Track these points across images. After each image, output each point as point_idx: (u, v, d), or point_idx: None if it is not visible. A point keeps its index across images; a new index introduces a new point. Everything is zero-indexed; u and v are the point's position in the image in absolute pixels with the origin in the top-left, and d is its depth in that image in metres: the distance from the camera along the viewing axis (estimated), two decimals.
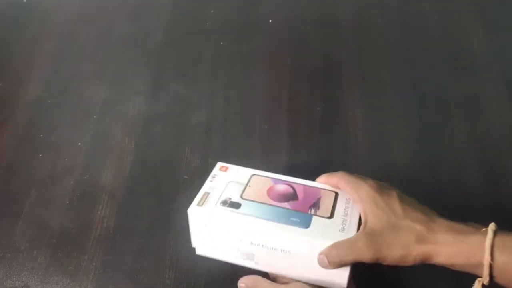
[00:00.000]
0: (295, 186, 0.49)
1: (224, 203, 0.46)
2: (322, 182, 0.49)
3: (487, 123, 0.63)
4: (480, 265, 0.37)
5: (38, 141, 0.67)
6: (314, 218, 0.45)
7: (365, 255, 0.40)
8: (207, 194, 0.48)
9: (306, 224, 0.44)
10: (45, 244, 0.57)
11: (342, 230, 0.43)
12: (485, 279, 0.37)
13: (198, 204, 0.47)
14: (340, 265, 0.41)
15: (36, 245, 0.57)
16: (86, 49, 0.79)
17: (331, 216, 0.45)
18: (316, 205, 0.46)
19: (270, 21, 0.78)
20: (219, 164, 0.52)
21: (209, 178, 0.50)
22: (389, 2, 0.79)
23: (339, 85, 0.70)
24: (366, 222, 0.42)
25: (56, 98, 0.72)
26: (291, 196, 0.48)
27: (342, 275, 0.43)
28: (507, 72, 0.68)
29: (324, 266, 0.42)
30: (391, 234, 0.39)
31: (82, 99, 0.71)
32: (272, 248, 0.44)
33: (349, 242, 0.41)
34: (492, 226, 0.38)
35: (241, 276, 0.53)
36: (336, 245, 0.41)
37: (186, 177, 0.61)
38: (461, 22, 0.75)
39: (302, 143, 0.63)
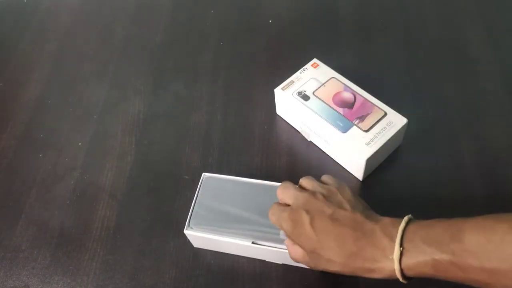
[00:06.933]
0: (357, 97, 0.59)
1: (299, 93, 0.61)
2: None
3: (487, 123, 0.63)
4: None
5: (39, 141, 0.67)
6: (354, 127, 0.57)
7: (315, 268, 0.47)
8: (292, 82, 0.62)
9: (345, 129, 0.57)
10: (45, 244, 0.57)
11: (368, 144, 0.55)
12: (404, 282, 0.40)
13: (282, 88, 0.62)
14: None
15: (36, 245, 0.57)
16: (86, 49, 0.79)
17: (367, 131, 0.56)
18: (362, 118, 0.57)
19: (270, 21, 0.78)
20: (313, 60, 0.64)
21: (300, 70, 0.63)
22: (389, 4, 0.79)
23: None
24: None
25: (56, 98, 0.72)
26: (348, 105, 0.59)
27: (359, 173, 0.58)
28: (507, 72, 0.68)
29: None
30: (317, 256, 0.44)
31: (82, 99, 0.72)
32: (320, 136, 0.60)
33: (307, 258, 0.46)
34: (396, 251, 0.39)
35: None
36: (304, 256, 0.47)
37: (186, 177, 0.61)
38: (461, 22, 0.75)
39: (302, 142, 0.63)
